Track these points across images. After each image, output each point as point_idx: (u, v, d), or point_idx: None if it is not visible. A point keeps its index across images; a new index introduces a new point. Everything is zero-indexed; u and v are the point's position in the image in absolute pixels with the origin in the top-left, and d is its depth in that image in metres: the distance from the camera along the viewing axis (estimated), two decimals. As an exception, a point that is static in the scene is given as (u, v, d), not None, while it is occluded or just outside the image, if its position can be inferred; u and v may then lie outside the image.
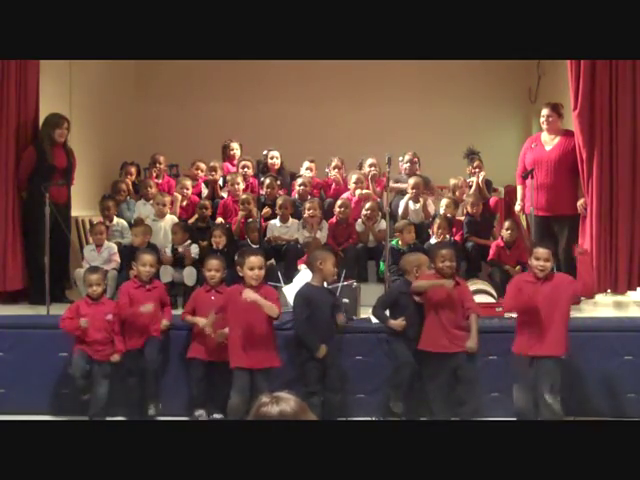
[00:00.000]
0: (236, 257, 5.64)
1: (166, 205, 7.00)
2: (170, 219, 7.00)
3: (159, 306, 5.46)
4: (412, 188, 7.15)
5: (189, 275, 6.33)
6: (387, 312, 5.27)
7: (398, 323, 5.14)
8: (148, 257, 5.51)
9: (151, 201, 7.30)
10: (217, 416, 5.20)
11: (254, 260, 5.02)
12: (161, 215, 6.99)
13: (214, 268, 5.39)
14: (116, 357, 5.22)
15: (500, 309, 5.58)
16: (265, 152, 7.80)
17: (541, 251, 4.91)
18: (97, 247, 6.57)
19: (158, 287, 5.57)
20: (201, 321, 5.20)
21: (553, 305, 4.81)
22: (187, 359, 5.29)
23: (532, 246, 5.15)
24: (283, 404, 2.23)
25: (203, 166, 7.97)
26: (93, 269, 5.58)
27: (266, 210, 6.97)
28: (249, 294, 4.84)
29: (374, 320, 5.67)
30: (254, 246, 6.49)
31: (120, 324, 5.30)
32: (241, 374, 4.89)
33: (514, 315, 5.14)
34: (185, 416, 5.23)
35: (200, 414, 5.22)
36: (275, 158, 7.96)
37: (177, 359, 5.40)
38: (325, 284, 5.28)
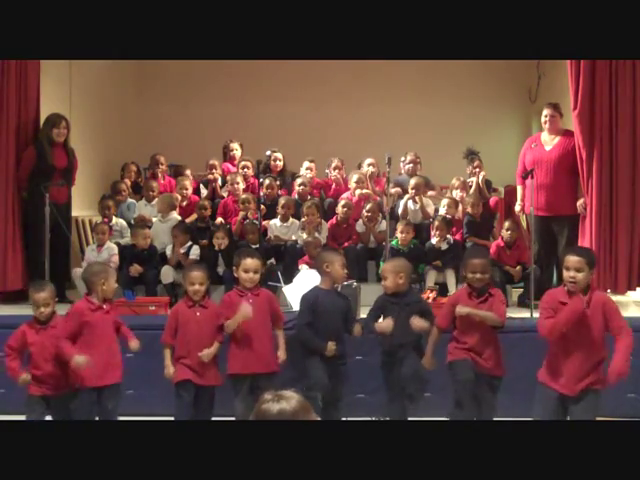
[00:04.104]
0: (234, 256, 5.38)
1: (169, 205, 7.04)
2: (174, 219, 7.01)
3: (114, 330, 4.60)
4: (412, 188, 7.16)
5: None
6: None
7: (385, 324, 4.61)
8: (115, 272, 4.86)
9: (152, 202, 7.31)
10: None
11: (249, 263, 4.74)
12: (167, 214, 7.01)
13: (198, 282, 4.70)
14: (26, 378, 4.38)
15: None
16: (268, 153, 7.79)
17: (571, 259, 4.07)
18: (98, 247, 6.60)
19: (115, 306, 4.75)
20: (169, 375, 4.61)
21: (587, 332, 4.05)
22: (175, 383, 4.68)
23: (563, 254, 4.40)
24: (284, 402, 2.22)
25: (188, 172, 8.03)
26: (38, 286, 4.56)
27: (262, 208, 6.94)
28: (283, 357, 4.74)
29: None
30: (253, 246, 6.50)
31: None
32: (240, 381, 4.67)
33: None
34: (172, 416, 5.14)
35: None
36: (278, 160, 7.96)
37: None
38: (338, 287, 4.99)
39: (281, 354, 4.76)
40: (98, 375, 4.44)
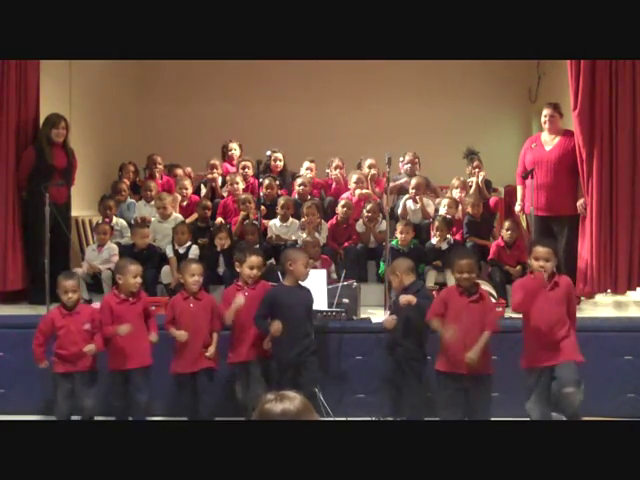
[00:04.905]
0: (236, 252, 5.60)
1: (167, 207, 6.98)
2: (175, 219, 7.00)
3: (143, 321, 5.02)
4: (413, 188, 7.16)
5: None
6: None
7: (389, 319, 4.91)
8: (137, 268, 5.05)
9: (152, 202, 7.31)
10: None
11: (255, 260, 5.12)
12: (165, 217, 6.99)
13: (197, 273, 5.03)
14: (91, 347, 4.78)
15: (500, 309, 5.58)
16: (269, 153, 7.78)
17: (540, 250, 4.57)
18: (98, 247, 6.60)
19: (142, 299, 5.08)
20: (181, 335, 4.93)
21: (560, 311, 4.53)
22: (172, 374, 5.03)
23: (531, 245, 4.77)
24: (287, 402, 2.23)
25: (180, 171, 8.15)
26: (68, 274, 5.12)
27: (262, 208, 6.94)
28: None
29: (374, 320, 5.69)
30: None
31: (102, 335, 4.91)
32: (240, 369, 5.05)
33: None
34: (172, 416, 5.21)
35: None
36: (279, 160, 7.96)
37: (165, 358, 5.14)
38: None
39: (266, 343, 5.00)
40: (124, 360, 4.89)
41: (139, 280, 5.03)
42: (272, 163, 7.91)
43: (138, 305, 5.00)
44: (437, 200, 7.43)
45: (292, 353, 4.86)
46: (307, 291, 5.09)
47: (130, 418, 4.96)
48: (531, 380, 4.59)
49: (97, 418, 4.98)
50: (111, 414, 5.00)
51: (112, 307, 4.94)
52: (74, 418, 4.94)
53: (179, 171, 8.25)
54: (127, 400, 4.95)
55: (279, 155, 7.96)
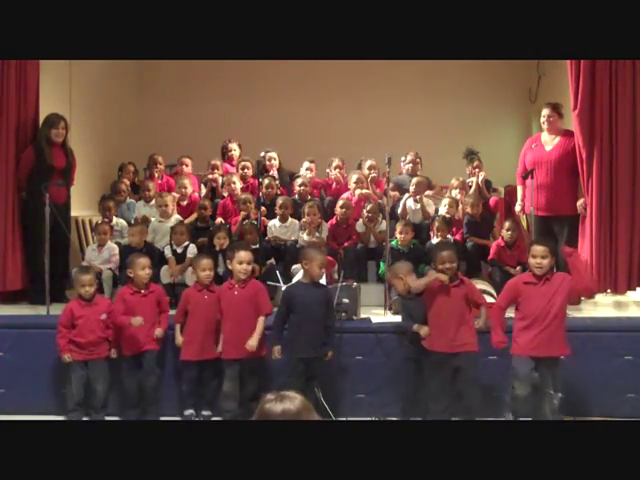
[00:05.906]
0: (227, 252, 5.70)
1: (168, 205, 6.98)
2: (175, 219, 6.98)
3: (155, 312, 5.38)
4: (413, 185, 7.15)
5: (191, 276, 6.32)
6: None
7: (425, 330, 5.05)
8: (145, 260, 5.42)
9: (151, 202, 7.30)
10: (205, 413, 5.31)
11: (243, 255, 5.25)
12: (166, 216, 6.98)
13: (208, 267, 5.40)
14: (114, 352, 5.27)
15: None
16: (262, 154, 7.78)
17: (537, 248, 4.87)
18: (99, 247, 6.59)
19: (155, 291, 5.46)
20: (180, 341, 5.33)
21: (553, 305, 4.79)
22: (180, 362, 5.32)
23: (529, 245, 5.07)
24: (287, 402, 2.24)
25: (188, 161, 8.13)
26: (84, 269, 5.54)
27: (262, 209, 6.93)
28: (252, 343, 5.09)
29: (374, 320, 5.69)
30: (253, 247, 6.48)
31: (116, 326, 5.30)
32: (231, 364, 5.18)
33: (514, 315, 5.10)
34: (176, 416, 5.28)
35: (190, 414, 5.27)
36: (273, 159, 7.96)
37: (170, 360, 5.41)
38: (323, 281, 5.33)
39: (251, 341, 5.10)
40: (137, 345, 5.24)
41: (148, 271, 5.37)
42: (267, 163, 7.90)
43: (150, 297, 5.36)
44: (434, 192, 7.49)
45: (307, 350, 4.99)
46: (323, 288, 5.23)
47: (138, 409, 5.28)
48: (521, 366, 4.81)
49: (96, 418, 5.02)
50: (124, 397, 5.29)
51: (125, 298, 5.32)
52: (80, 419, 5.08)
53: (187, 160, 8.15)
54: (139, 380, 5.26)
55: (273, 154, 7.95)
